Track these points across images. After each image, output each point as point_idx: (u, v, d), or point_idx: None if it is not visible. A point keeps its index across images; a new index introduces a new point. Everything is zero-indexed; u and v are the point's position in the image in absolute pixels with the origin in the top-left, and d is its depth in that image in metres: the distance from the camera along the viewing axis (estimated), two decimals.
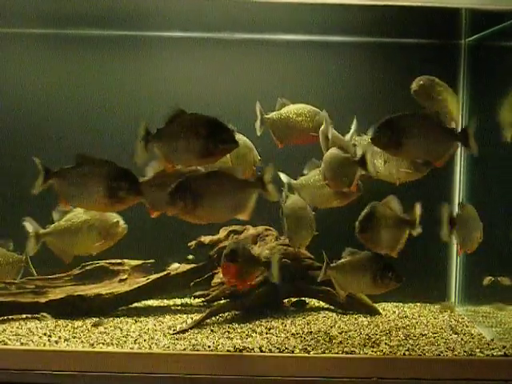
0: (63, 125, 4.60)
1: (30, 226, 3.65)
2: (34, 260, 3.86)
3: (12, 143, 4.58)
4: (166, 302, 4.55)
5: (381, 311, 4.29)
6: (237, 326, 3.89)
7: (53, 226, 3.68)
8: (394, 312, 4.37)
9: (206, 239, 4.33)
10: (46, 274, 4.18)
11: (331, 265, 3.48)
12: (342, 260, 3.48)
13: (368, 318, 4.15)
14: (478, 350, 3.44)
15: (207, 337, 3.65)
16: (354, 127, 3.78)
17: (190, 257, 4.37)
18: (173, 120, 3.14)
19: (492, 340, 3.65)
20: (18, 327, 3.84)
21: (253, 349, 3.40)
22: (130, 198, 3.14)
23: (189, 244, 4.33)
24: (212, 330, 3.79)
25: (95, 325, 3.84)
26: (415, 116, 3.30)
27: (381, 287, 3.41)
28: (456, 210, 3.69)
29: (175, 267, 4.30)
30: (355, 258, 3.46)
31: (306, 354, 3.36)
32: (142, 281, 4.24)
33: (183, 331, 3.75)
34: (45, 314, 4.01)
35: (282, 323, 3.97)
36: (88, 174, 3.16)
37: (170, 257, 4.37)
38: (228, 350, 3.39)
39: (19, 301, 4.04)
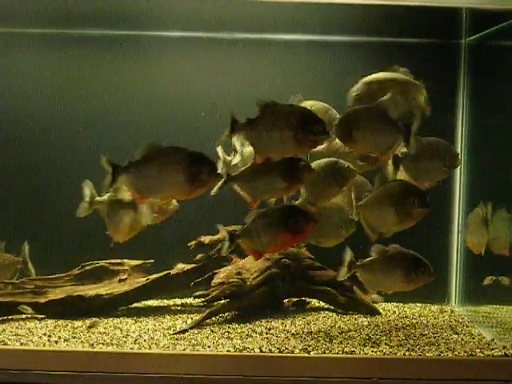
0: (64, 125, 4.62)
1: (87, 190, 3.63)
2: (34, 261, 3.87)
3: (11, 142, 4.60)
4: (165, 302, 4.55)
5: (381, 311, 4.28)
6: (237, 326, 3.89)
7: (107, 195, 3.64)
8: (395, 312, 4.37)
9: (206, 239, 4.33)
10: (45, 274, 4.18)
11: (357, 263, 3.44)
12: (371, 257, 3.45)
13: (368, 318, 4.15)
14: (478, 351, 3.43)
15: (207, 337, 3.65)
16: None
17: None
18: (265, 111, 3.12)
19: (492, 340, 3.64)
20: (17, 327, 3.83)
21: (253, 349, 3.39)
22: (210, 180, 3.09)
23: (189, 244, 4.32)
24: (212, 330, 3.78)
25: (91, 326, 3.82)
26: (367, 109, 3.35)
27: (414, 283, 3.38)
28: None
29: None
30: (385, 254, 3.43)
31: (306, 354, 3.35)
32: (142, 281, 4.24)
33: (183, 331, 3.75)
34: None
35: (282, 323, 3.97)
36: (163, 163, 3.08)
37: (170, 257, 4.36)
38: (228, 350, 3.38)
39: (19, 301, 4.03)
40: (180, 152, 3.10)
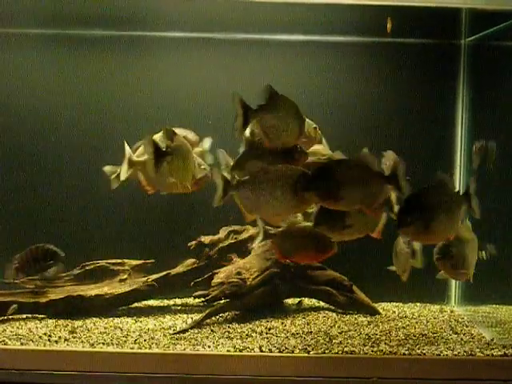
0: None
1: (222, 157, 3.49)
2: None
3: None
4: (166, 302, 4.55)
5: (381, 311, 4.29)
6: (237, 325, 3.89)
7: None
8: (394, 312, 4.37)
9: (207, 239, 4.33)
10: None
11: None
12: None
13: (368, 318, 4.15)
14: (477, 350, 3.44)
15: (207, 337, 3.65)
16: None
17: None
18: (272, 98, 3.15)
19: (492, 340, 3.64)
20: (18, 327, 3.84)
21: (253, 349, 3.39)
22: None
23: (189, 244, 4.33)
24: (212, 330, 3.79)
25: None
26: (347, 164, 3.15)
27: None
28: None
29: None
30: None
31: (306, 354, 3.35)
32: (142, 281, 4.24)
33: (183, 331, 3.75)
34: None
35: (282, 323, 3.97)
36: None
37: (170, 257, 4.37)
38: (228, 350, 3.39)
39: (19, 301, 4.04)
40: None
